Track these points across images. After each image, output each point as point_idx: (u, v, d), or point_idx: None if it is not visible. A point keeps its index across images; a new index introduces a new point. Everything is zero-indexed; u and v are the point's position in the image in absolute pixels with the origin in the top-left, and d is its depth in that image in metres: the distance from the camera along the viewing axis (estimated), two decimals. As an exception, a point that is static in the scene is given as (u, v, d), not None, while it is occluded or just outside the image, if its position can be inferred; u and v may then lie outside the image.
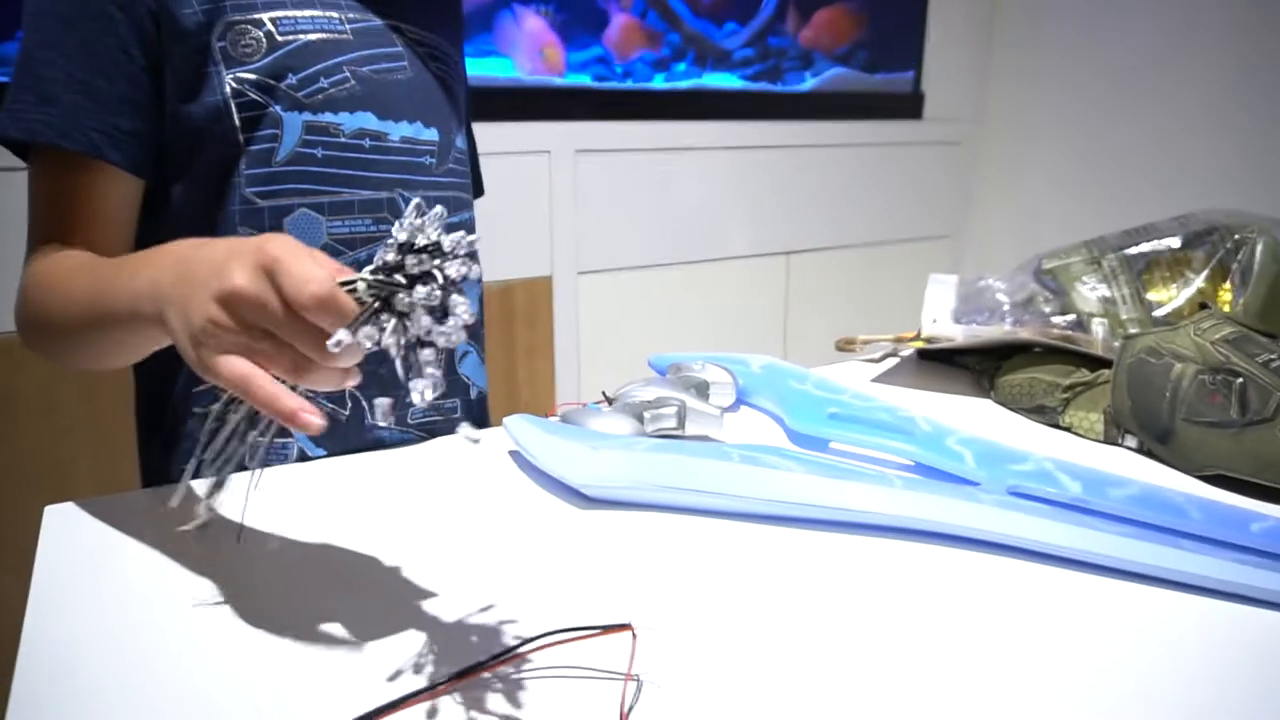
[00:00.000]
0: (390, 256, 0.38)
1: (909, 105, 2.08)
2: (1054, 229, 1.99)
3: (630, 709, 0.38)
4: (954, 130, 2.15)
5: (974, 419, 0.78)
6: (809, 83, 1.96)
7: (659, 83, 1.79)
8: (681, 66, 1.81)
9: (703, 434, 0.70)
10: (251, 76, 0.65)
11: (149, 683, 0.40)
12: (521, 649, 0.41)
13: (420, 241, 0.38)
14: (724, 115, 1.83)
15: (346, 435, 0.71)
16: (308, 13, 0.67)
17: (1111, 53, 1.92)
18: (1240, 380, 0.64)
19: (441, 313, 0.38)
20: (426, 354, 0.38)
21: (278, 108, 0.66)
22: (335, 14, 0.68)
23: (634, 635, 0.42)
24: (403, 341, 0.38)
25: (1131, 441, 0.71)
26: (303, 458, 0.69)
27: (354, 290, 0.38)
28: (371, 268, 0.39)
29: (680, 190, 1.81)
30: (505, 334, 1.64)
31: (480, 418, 0.83)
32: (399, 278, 0.38)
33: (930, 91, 2.09)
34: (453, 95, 0.79)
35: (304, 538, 0.54)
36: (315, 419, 0.39)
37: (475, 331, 0.84)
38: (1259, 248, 0.82)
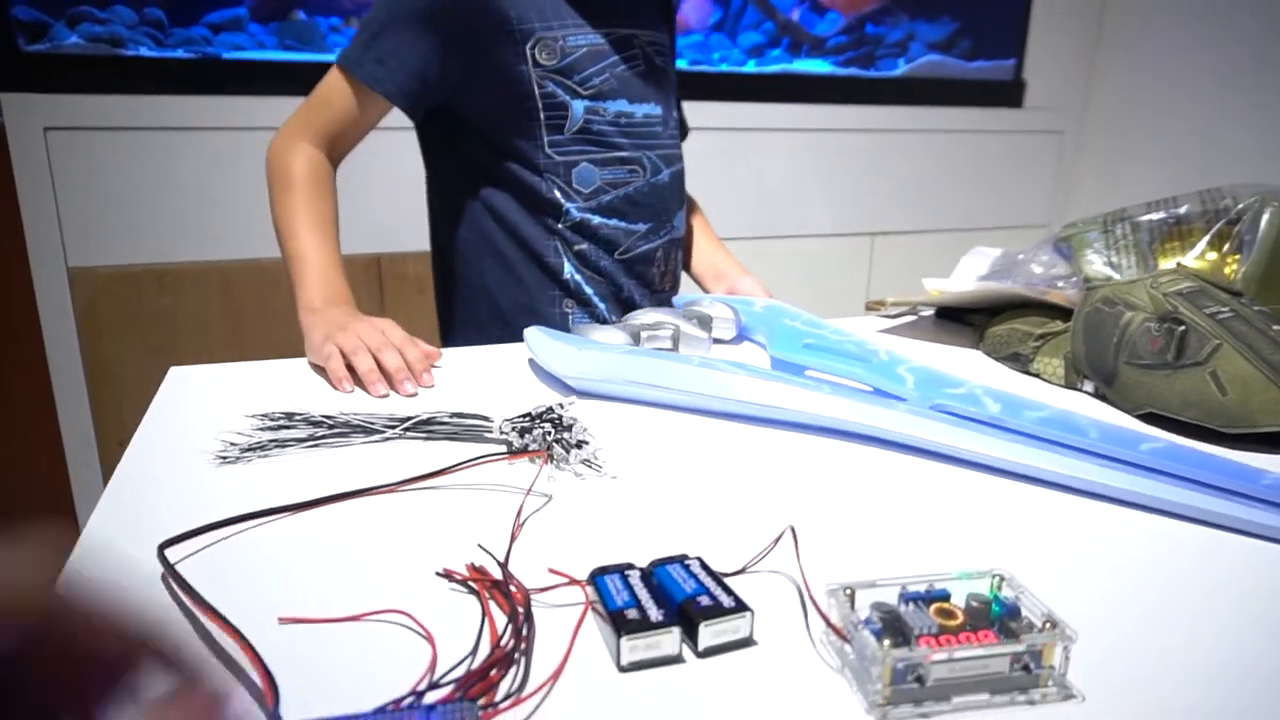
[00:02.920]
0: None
1: (1009, 93, 2.06)
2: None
3: (528, 516, 0.50)
4: (1056, 118, 2.11)
5: (958, 366, 0.85)
6: (901, 69, 1.99)
7: (750, 68, 1.88)
8: (776, 52, 1.89)
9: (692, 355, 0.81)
10: (551, 74, 0.93)
11: (219, 495, 0.56)
12: (462, 465, 0.54)
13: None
14: (811, 99, 1.89)
15: None
16: (582, 31, 0.95)
17: (1220, 43, 1.85)
18: (1182, 328, 0.69)
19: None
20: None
21: (566, 96, 0.94)
22: (598, 30, 0.96)
23: (545, 459, 0.54)
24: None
25: (1089, 386, 0.76)
26: None
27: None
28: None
29: (764, 168, 1.89)
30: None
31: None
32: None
33: (1032, 80, 2.07)
34: (670, 79, 1.06)
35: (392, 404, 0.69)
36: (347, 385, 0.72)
37: None
38: (1263, 218, 0.84)
